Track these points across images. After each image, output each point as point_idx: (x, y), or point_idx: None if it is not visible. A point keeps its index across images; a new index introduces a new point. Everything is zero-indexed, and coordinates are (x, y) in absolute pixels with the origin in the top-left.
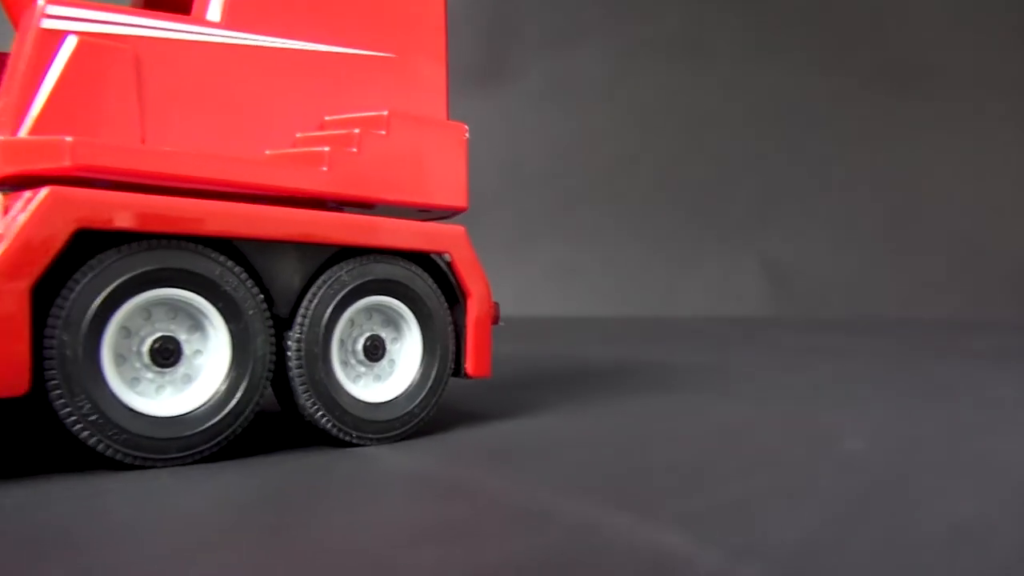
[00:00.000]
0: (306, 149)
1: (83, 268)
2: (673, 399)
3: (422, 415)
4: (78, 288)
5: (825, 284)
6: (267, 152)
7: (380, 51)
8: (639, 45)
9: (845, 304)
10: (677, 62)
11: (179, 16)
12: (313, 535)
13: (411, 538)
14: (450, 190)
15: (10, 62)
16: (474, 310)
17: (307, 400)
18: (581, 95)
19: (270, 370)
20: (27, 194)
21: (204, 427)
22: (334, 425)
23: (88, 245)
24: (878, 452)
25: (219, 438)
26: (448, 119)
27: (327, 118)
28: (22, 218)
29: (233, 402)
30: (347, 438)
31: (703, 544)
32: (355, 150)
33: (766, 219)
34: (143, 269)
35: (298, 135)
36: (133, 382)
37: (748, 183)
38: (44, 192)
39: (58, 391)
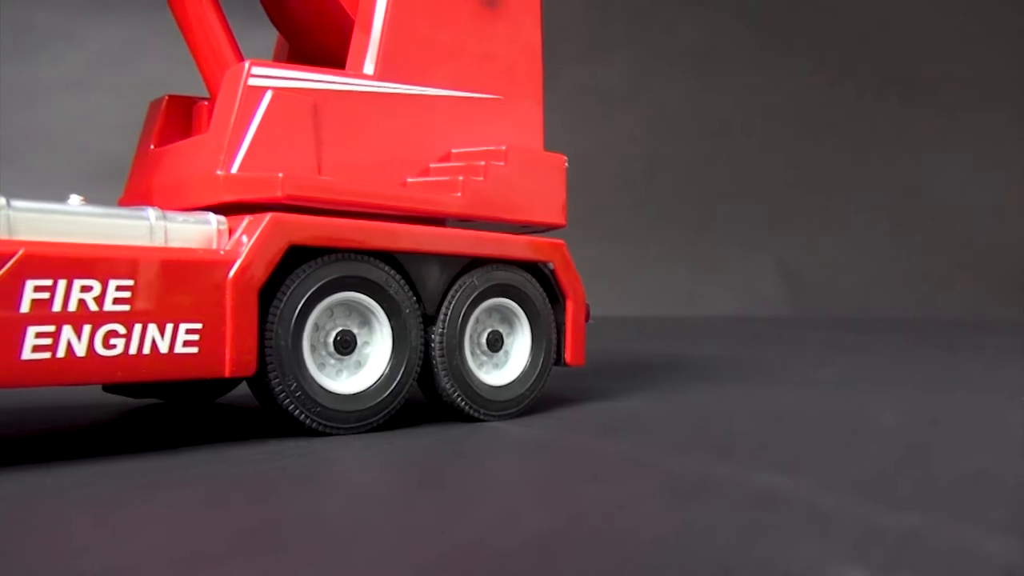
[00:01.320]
0: (443, 178)
1: (291, 276)
2: (727, 387)
3: (532, 396)
4: (288, 292)
5: (839, 285)
6: (408, 180)
7: (491, 94)
8: (660, 58)
9: (858, 304)
10: (696, 73)
11: (343, 71)
12: (473, 480)
13: (564, 479)
14: (552, 210)
15: (216, 112)
16: (572, 310)
17: (447, 383)
18: (606, 105)
19: (420, 358)
20: (247, 218)
21: (374, 403)
22: (467, 404)
23: (293, 258)
24: (909, 425)
25: (385, 411)
26: (544, 149)
27: (453, 151)
28: (249, 238)
29: (394, 383)
30: (476, 415)
31: (797, 481)
32: (481, 178)
33: (782, 223)
34: (332, 277)
35: (432, 165)
36: (321, 367)
37: (765, 188)
38: (267, 217)
39: (274, 373)
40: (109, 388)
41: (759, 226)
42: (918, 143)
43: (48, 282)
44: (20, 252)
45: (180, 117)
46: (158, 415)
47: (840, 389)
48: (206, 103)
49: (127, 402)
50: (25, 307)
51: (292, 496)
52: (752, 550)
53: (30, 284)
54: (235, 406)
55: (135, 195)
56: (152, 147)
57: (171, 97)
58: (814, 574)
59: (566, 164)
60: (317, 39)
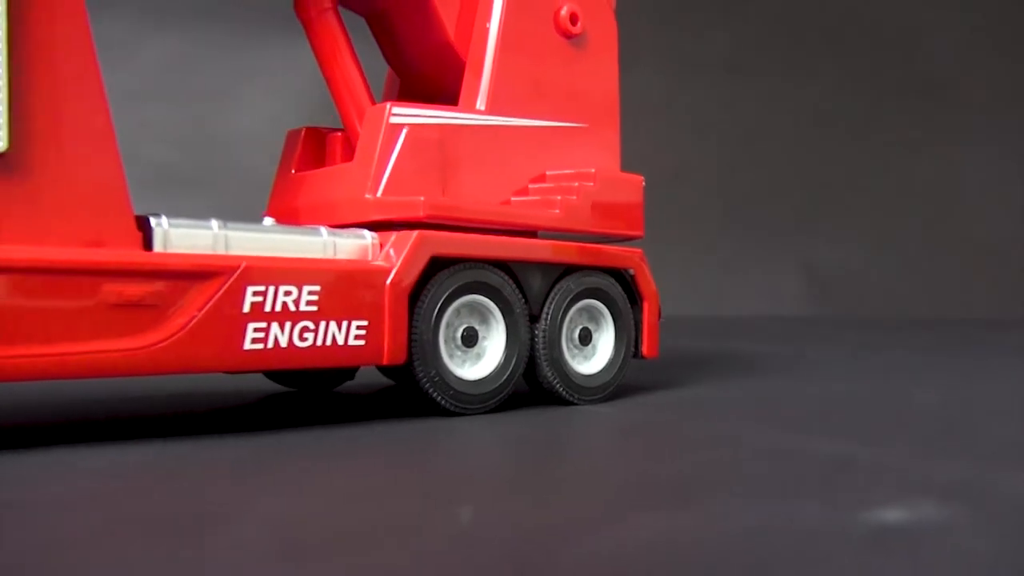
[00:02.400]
0: (544, 197)
1: (431, 282)
2: (774, 377)
3: (615, 383)
4: (429, 295)
5: (862, 285)
6: (512, 199)
7: (577, 122)
8: (687, 64)
9: (881, 304)
10: (722, 79)
11: (459, 108)
12: (588, 446)
13: (662, 447)
14: (632, 222)
15: (361, 144)
16: (647, 310)
17: (548, 372)
18: (637, 112)
19: (528, 351)
20: (394, 234)
21: (492, 387)
22: (564, 390)
23: (431, 267)
24: (949, 405)
25: (501, 395)
26: (621, 170)
27: (548, 173)
28: (398, 250)
29: (508, 371)
30: (571, 399)
31: (858, 447)
32: (574, 197)
33: (806, 225)
34: (462, 282)
35: (531, 186)
36: (451, 357)
37: (789, 191)
38: (415, 234)
39: (418, 362)
40: (270, 375)
41: (784, 228)
42: (942, 145)
43: (262, 288)
44: (243, 265)
45: (315, 146)
46: (297, 400)
47: (878, 379)
48: (339, 134)
49: (264, 389)
50: (246, 308)
51: (452, 459)
52: (831, 492)
53: (250, 290)
54: (352, 393)
55: (279, 213)
56: (293, 171)
57: (308, 129)
58: (882, 511)
59: (643, 183)
60: (428, 77)
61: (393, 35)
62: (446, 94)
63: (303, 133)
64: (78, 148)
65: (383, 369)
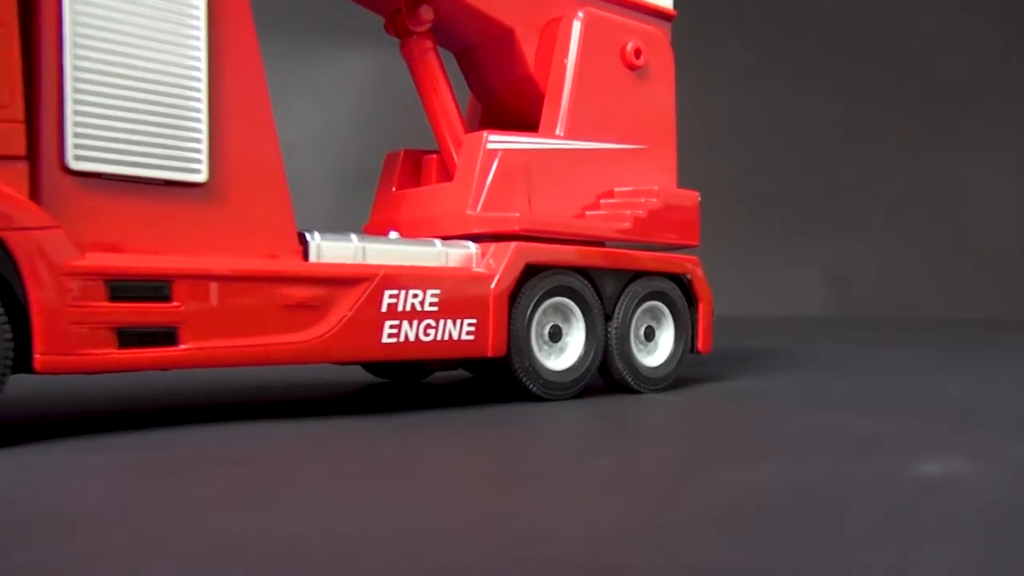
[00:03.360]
0: (613, 211)
1: (525, 286)
2: (808, 371)
3: (674, 375)
4: (523, 297)
5: (877, 286)
6: (586, 213)
7: (640, 144)
8: (707, 73)
9: (896, 305)
10: (741, 86)
11: (540, 133)
12: (661, 426)
13: (726, 428)
14: (689, 233)
15: (460, 166)
16: (703, 310)
17: (620, 364)
18: None
19: (603, 346)
20: (493, 246)
21: (574, 377)
22: (632, 380)
23: (525, 273)
24: (966, 396)
25: (581, 384)
26: (677, 186)
27: (616, 189)
28: (497, 259)
29: (587, 363)
30: (638, 388)
31: (896, 424)
32: (641, 211)
33: (823, 227)
34: (551, 286)
35: (602, 201)
36: (540, 350)
37: (806, 195)
38: (513, 245)
39: (515, 354)
40: (368, 367)
41: (802, 231)
42: (955, 149)
43: (396, 292)
44: (381, 273)
45: (412, 166)
46: (395, 389)
47: (900, 372)
48: (434, 156)
49: (365, 379)
50: (384, 308)
51: (564, 429)
52: (875, 455)
53: (386, 293)
54: (438, 384)
55: (381, 225)
56: (393, 189)
57: (406, 151)
58: (920, 467)
59: (699, 198)
60: (509, 104)
61: (479, 68)
62: (525, 120)
63: (401, 155)
64: (257, 176)
65: (461, 363)
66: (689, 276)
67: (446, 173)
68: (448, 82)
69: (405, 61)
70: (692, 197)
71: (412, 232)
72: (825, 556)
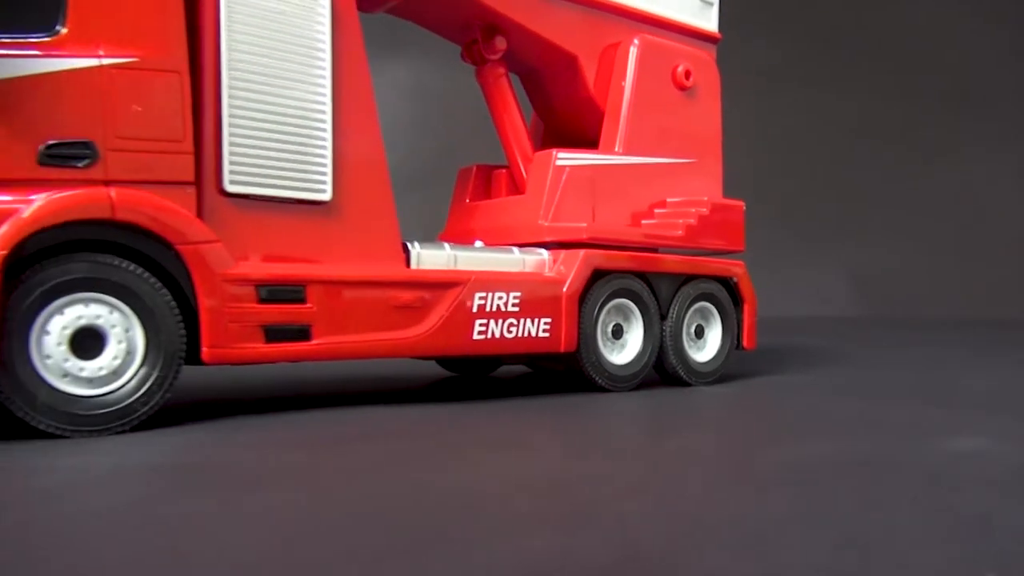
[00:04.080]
0: (666, 220)
1: (592, 288)
2: (839, 368)
3: (721, 370)
4: (590, 299)
5: (903, 288)
6: (642, 222)
7: (689, 158)
8: (732, 77)
9: (922, 306)
10: (767, 91)
11: (600, 150)
12: (719, 413)
13: (776, 414)
14: (735, 240)
15: (531, 181)
16: (747, 310)
17: (673, 360)
18: None
19: (659, 343)
20: (563, 252)
21: (634, 371)
22: (684, 374)
23: (592, 277)
24: (992, 387)
25: (640, 377)
26: (723, 196)
27: (668, 200)
28: (568, 265)
29: (644, 359)
30: (690, 381)
31: (929, 409)
32: (693, 220)
33: (849, 229)
34: (614, 288)
35: (656, 211)
36: (604, 346)
37: (833, 197)
38: (582, 252)
39: (583, 350)
40: (441, 362)
41: (827, 233)
42: (976, 152)
43: (484, 294)
44: (472, 278)
45: (483, 180)
46: (470, 382)
47: (928, 368)
48: (504, 171)
49: (437, 374)
50: (474, 308)
51: (636, 414)
52: (912, 432)
53: (476, 295)
54: (501, 377)
55: (458, 234)
56: (467, 201)
57: (478, 167)
58: (953, 442)
59: (744, 208)
60: (570, 123)
61: (544, 89)
62: (583, 135)
63: (474, 170)
64: (370, 194)
65: (519, 359)
66: (735, 279)
67: (515, 186)
68: (518, 104)
69: (479, 86)
70: (738, 206)
71: (487, 239)
72: (886, 502)
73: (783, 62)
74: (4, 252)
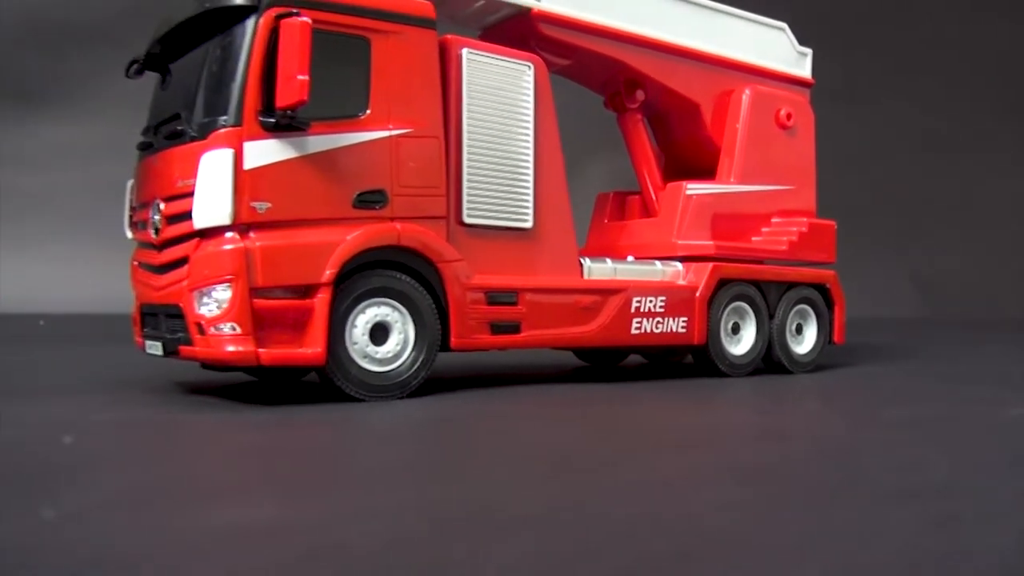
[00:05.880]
0: (772, 237)
1: (718, 294)
2: (909, 360)
3: (816, 361)
4: (716, 302)
5: (966, 290)
6: (752, 239)
7: (789, 185)
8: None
9: (983, 308)
10: (836, 103)
11: (717, 180)
12: (825, 391)
13: (871, 391)
14: (828, 253)
15: (664, 206)
16: (838, 312)
17: (779, 352)
18: None
19: (767, 337)
20: (694, 265)
21: (749, 360)
22: (787, 363)
23: (718, 285)
24: None
25: (753, 365)
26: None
27: (773, 220)
28: (698, 275)
29: (757, 350)
30: (792, 370)
31: (999, 390)
32: (795, 237)
33: (914, 234)
34: (735, 294)
35: (763, 229)
36: (726, 340)
37: (898, 204)
38: (711, 265)
39: (712, 343)
40: (580, 354)
41: (894, 238)
42: None
43: (640, 298)
44: (631, 285)
45: (618, 204)
46: (602, 370)
47: (993, 361)
48: (636, 196)
49: (562, 363)
50: (632, 309)
51: (754, 396)
52: (984, 403)
53: (634, 300)
54: (626, 367)
55: (599, 249)
56: (606, 221)
57: (615, 193)
58: (1016, 410)
59: (836, 226)
60: (688, 156)
61: (669, 128)
62: (700, 165)
63: (611, 196)
64: (557, 220)
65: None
66: (828, 285)
67: (646, 210)
68: (650, 138)
69: (620, 129)
70: (830, 225)
71: (627, 255)
72: (970, 442)
73: (850, 75)
74: (334, 271)
